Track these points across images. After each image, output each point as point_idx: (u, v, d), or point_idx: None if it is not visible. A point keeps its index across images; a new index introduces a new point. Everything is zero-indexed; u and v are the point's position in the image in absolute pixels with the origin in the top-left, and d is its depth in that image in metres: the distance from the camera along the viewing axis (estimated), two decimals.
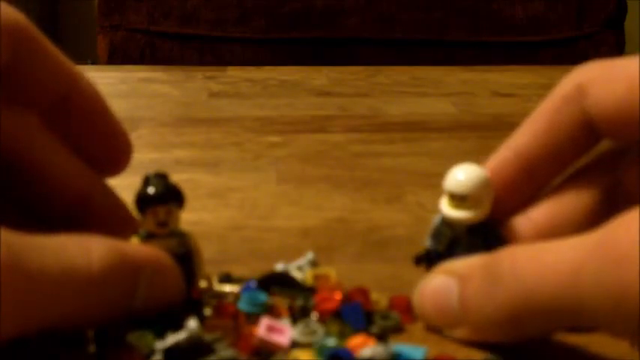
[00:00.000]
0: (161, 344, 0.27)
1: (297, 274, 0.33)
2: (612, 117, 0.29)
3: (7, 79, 0.28)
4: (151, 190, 0.29)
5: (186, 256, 0.30)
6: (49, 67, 0.30)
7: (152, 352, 0.26)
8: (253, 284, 0.32)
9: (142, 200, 0.29)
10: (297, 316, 0.29)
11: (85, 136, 0.31)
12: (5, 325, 0.23)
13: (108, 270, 0.26)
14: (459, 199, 0.30)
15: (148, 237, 0.29)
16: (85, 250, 0.26)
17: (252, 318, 0.29)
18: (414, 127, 0.57)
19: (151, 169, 0.31)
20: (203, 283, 0.31)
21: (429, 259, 0.31)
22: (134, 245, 0.29)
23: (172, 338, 0.27)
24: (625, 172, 0.30)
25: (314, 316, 0.29)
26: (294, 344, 0.28)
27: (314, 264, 0.34)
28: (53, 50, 0.30)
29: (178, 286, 0.29)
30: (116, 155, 0.32)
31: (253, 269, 0.33)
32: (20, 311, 0.24)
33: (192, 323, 0.27)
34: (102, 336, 0.27)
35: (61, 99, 0.30)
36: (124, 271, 0.27)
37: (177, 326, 0.27)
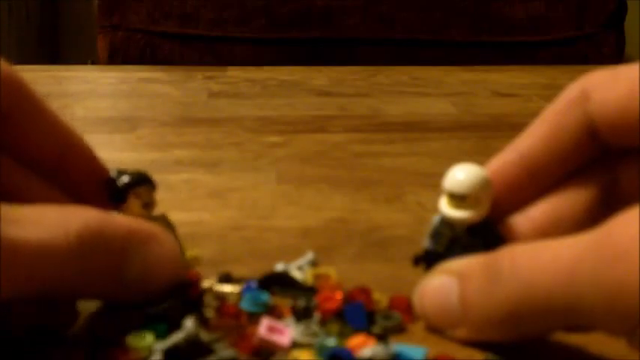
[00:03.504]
0: (160, 345, 0.27)
1: (297, 274, 0.33)
2: (613, 120, 0.29)
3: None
4: (126, 177, 0.30)
5: None
6: (44, 128, 0.30)
7: (151, 353, 0.27)
8: (254, 284, 0.32)
9: (123, 187, 0.30)
10: (300, 316, 0.29)
11: (81, 191, 0.31)
12: (9, 284, 0.23)
13: (86, 241, 0.26)
14: (458, 199, 0.30)
15: None
16: (63, 221, 0.26)
17: (254, 318, 0.29)
18: (414, 127, 0.57)
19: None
20: (205, 283, 0.31)
21: (427, 260, 0.31)
22: (121, 218, 0.29)
23: (171, 339, 0.27)
24: (623, 171, 0.30)
25: (316, 316, 0.29)
26: (295, 344, 0.28)
27: (314, 264, 0.34)
28: (49, 111, 0.30)
29: (176, 257, 0.29)
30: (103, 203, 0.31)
31: (253, 269, 0.33)
32: (28, 278, 0.24)
33: (189, 323, 0.27)
34: (100, 336, 0.27)
35: (57, 160, 0.30)
36: (107, 242, 0.27)
37: (176, 326, 0.27)
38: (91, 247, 0.26)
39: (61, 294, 0.27)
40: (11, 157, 0.29)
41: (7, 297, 0.24)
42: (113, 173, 0.31)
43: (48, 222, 0.25)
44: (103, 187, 0.31)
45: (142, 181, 0.30)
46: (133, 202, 0.30)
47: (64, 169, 0.30)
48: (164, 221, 0.31)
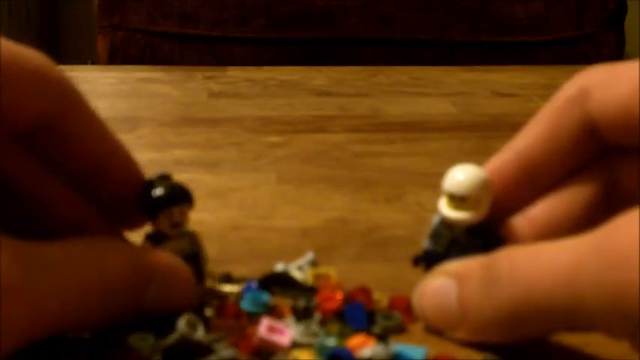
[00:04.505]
0: (158, 346, 0.27)
1: (297, 274, 0.33)
2: (615, 120, 0.29)
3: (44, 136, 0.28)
4: (162, 191, 0.29)
5: (196, 256, 0.30)
6: (90, 135, 0.29)
7: (152, 353, 0.27)
8: (254, 284, 0.32)
9: (156, 202, 0.29)
10: (300, 316, 0.29)
11: (117, 202, 0.30)
12: (11, 337, 0.23)
13: (120, 281, 0.26)
14: (458, 200, 0.30)
15: (160, 238, 0.29)
16: (98, 262, 0.26)
17: (254, 318, 0.29)
18: (414, 127, 0.57)
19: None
20: (209, 281, 0.31)
21: (427, 260, 0.31)
22: (147, 251, 0.29)
23: (165, 340, 0.27)
24: (623, 171, 0.30)
25: (316, 316, 0.29)
26: (295, 344, 0.28)
27: (314, 264, 0.34)
28: (95, 117, 0.29)
29: (190, 290, 0.29)
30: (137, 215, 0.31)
31: (253, 269, 0.33)
32: (26, 324, 0.24)
33: (181, 324, 0.27)
34: (102, 337, 0.27)
35: (97, 167, 0.29)
36: (135, 279, 0.27)
37: (172, 327, 0.27)
38: (120, 286, 0.26)
39: (82, 329, 0.27)
40: (51, 162, 0.29)
41: (34, 338, 0.24)
42: (153, 177, 0.30)
43: (83, 264, 0.26)
44: (137, 196, 0.30)
45: (176, 201, 0.29)
46: (163, 221, 0.29)
47: (104, 177, 0.29)
48: (190, 238, 0.30)
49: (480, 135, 0.56)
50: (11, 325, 0.23)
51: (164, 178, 0.30)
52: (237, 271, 0.33)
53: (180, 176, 0.31)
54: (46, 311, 0.24)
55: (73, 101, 0.28)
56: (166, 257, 0.28)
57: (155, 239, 0.30)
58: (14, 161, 0.28)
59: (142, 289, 0.27)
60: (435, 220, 0.31)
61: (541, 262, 0.25)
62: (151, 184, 0.29)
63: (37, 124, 0.27)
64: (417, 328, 0.30)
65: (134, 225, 0.31)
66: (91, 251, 0.26)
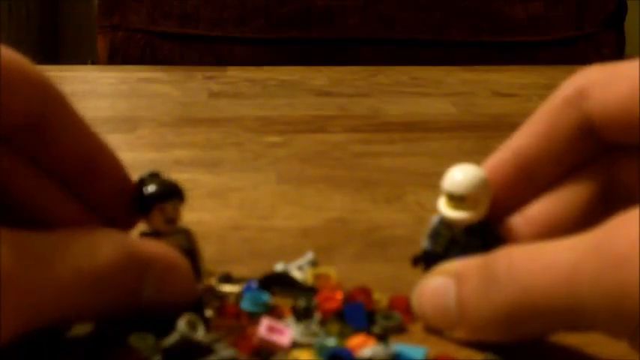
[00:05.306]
0: (158, 346, 0.27)
1: (297, 274, 0.33)
2: (614, 119, 0.29)
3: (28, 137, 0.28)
4: (154, 188, 0.29)
5: (192, 253, 0.30)
6: (74, 136, 0.29)
7: (152, 353, 0.27)
8: (254, 284, 0.32)
9: (149, 199, 0.29)
10: (300, 316, 0.29)
11: (105, 202, 0.30)
12: (9, 324, 0.23)
13: (113, 269, 0.26)
14: (457, 200, 0.30)
15: (155, 236, 0.29)
16: (90, 249, 0.26)
17: (254, 318, 0.29)
18: (414, 127, 0.57)
19: (151, 170, 0.31)
20: (209, 281, 0.31)
21: (426, 260, 0.31)
22: (143, 242, 0.29)
23: (165, 340, 0.27)
24: (622, 169, 0.30)
25: (316, 316, 0.29)
26: (295, 344, 0.28)
27: (314, 264, 0.34)
28: (80, 118, 0.29)
29: (189, 282, 0.29)
30: (127, 215, 0.31)
31: (253, 269, 0.33)
32: (24, 312, 0.24)
33: (181, 324, 0.27)
34: (102, 337, 0.27)
35: (84, 169, 0.29)
36: (131, 269, 0.27)
37: (172, 327, 0.27)
38: (115, 275, 0.26)
39: (78, 319, 0.27)
40: (39, 165, 0.29)
41: (29, 327, 0.24)
42: (144, 175, 0.30)
43: (75, 250, 0.26)
44: (129, 196, 0.30)
45: (169, 196, 0.29)
46: (157, 217, 0.29)
47: (91, 178, 0.29)
48: (186, 235, 0.30)
49: (480, 135, 0.56)
50: (10, 314, 0.23)
51: (154, 176, 0.30)
52: (237, 271, 0.33)
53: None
54: (43, 300, 0.24)
55: (56, 101, 0.28)
56: (163, 248, 0.28)
57: (150, 237, 0.30)
58: (1, 162, 0.28)
59: (139, 279, 0.27)
60: (434, 219, 0.31)
61: (540, 261, 0.25)
62: (142, 183, 0.30)
63: (22, 124, 0.27)
64: (417, 328, 0.30)
65: (125, 225, 0.31)
66: (83, 240, 0.26)
